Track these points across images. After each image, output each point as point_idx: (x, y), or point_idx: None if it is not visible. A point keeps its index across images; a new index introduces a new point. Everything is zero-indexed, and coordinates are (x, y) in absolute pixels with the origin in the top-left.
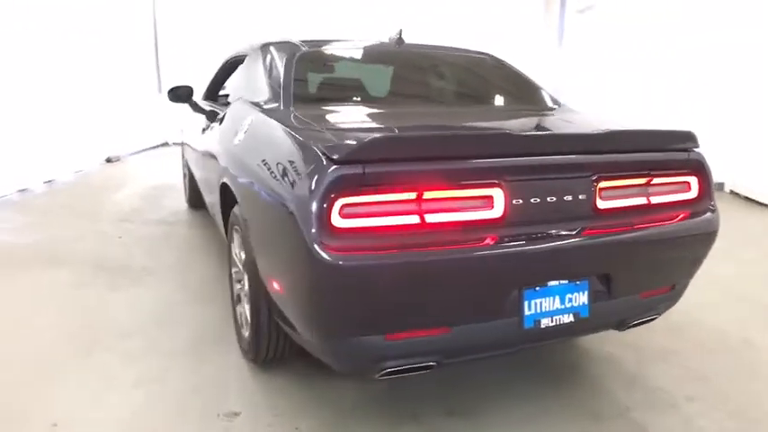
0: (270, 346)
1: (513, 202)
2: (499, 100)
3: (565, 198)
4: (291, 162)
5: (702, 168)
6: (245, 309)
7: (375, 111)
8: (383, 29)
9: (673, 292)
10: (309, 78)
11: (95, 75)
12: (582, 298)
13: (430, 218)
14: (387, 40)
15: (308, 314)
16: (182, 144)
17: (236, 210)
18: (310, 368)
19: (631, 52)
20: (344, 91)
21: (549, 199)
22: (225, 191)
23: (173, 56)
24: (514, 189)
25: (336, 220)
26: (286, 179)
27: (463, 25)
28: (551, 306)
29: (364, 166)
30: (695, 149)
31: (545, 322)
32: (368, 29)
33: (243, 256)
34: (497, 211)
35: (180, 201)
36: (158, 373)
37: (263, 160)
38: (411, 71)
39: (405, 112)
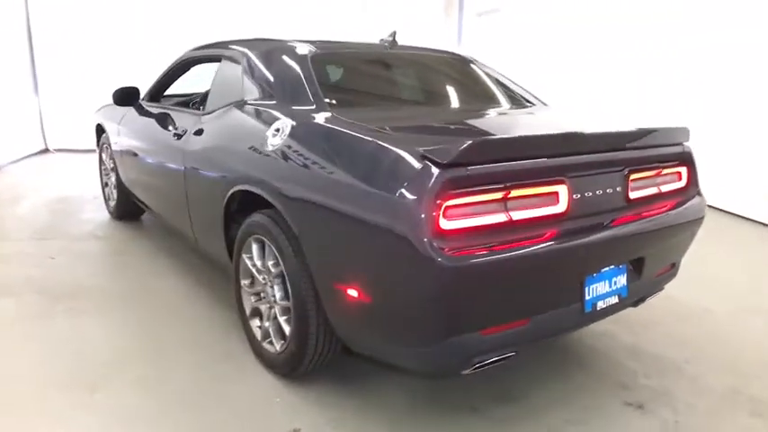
0: (315, 356)
1: (573, 196)
2: (496, 99)
3: (607, 191)
4: (383, 167)
5: (692, 159)
6: (275, 321)
7: (410, 112)
8: (286, 26)
9: (673, 270)
10: (331, 80)
11: None
12: (623, 280)
13: (515, 215)
14: (378, 42)
15: (417, 318)
16: (104, 151)
17: (257, 218)
18: (336, 376)
19: (537, 54)
20: (364, 92)
21: (597, 192)
22: (231, 200)
23: (50, 53)
24: (574, 185)
25: (443, 223)
26: (377, 184)
27: (364, 23)
28: (603, 290)
29: (467, 169)
30: (686, 143)
31: (600, 305)
32: (271, 26)
33: (272, 266)
34: (562, 205)
35: (100, 213)
36: (181, 400)
37: (331, 166)
38: (417, 72)
39: (436, 112)
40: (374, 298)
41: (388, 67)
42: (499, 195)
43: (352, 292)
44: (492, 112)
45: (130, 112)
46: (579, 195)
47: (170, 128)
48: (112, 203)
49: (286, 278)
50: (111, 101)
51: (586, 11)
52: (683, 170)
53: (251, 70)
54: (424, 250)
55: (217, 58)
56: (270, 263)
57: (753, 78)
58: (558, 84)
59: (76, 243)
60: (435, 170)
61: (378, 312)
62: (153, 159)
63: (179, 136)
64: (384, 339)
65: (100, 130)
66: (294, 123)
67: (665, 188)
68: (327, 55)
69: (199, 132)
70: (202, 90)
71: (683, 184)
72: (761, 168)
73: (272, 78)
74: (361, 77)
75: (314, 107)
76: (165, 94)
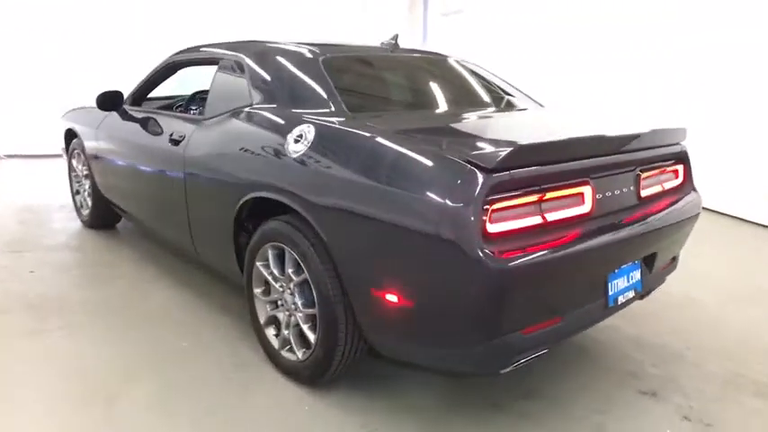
0: (342, 362)
1: (597, 196)
2: (502, 101)
3: (623, 190)
4: (426, 173)
5: (687, 157)
6: (297, 329)
7: (429, 116)
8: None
9: (674, 263)
10: (344, 84)
11: None
12: (637, 275)
13: (549, 216)
14: (379, 45)
15: (464, 320)
16: (75, 157)
17: (275, 225)
18: (356, 380)
19: (501, 55)
20: (378, 96)
21: (615, 192)
22: (242, 208)
23: None
24: (597, 185)
25: (489, 227)
26: (420, 191)
27: (327, 23)
28: (623, 285)
29: (510, 173)
30: (682, 142)
31: (620, 299)
32: (224, 27)
33: (292, 273)
34: (587, 206)
35: (72, 222)
36: (210, 413)
37: (366, 172)
38: (424, 75)
39: (453, 116)
40: (417, 302)
41: (396, 71)
42: (535, 198)
43: (392, 298)
44: (506, 115)
45: (111, 116)
46: (601, 195)
47: (163, 133)
48: (86, 212)
49: (311, 285)
50: (76, 104)
51: (549, 11)
52: (680, 168)
53: (258, 74)
54: (475, 254)
55: (212, 62)
56: (290, 270)
57: (740, 79)
58: (523, 85)
59: (53, 254)
60: (482, 175)
61: (420, 316)
62: (142, 166)
63: (176, 142)
64: (424, 343)
65: (70, 134)
66: (318, 129)
67: (666, 185)
68: (337, 59)
69: (201, 138)
70: (177, 93)
71: (680, 181)
72: (759, 170)
73: (284, 83)
74: (373, 81)
75: (334, 112)
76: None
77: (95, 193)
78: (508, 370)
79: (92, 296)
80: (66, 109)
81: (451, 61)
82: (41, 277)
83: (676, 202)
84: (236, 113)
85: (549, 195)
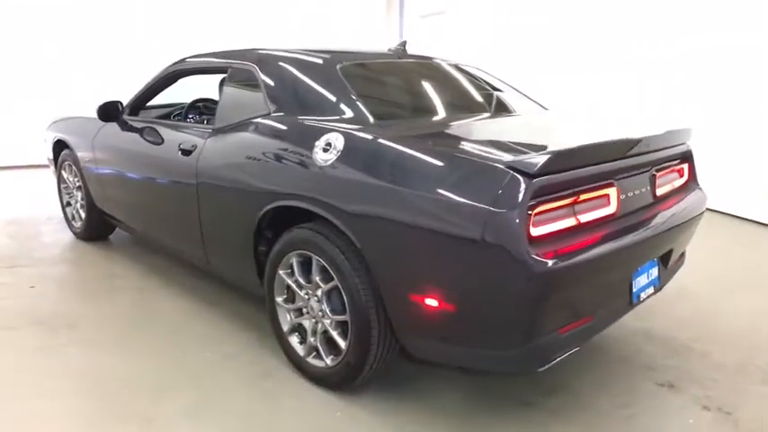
0: (374, 366)
1: (621, 197)
2: (512, 106)
3: (642, 190)
4: (467, 180)
5: (692, 156)
6: (324, 336)
7: (451, 122)
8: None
9: (682, 259)
10: (364, 91)
11: None
12: (655, 272)
13: (581, 217)
14: (387, 51)
15: (509, 322)
16: (65, 169)
17: (301, 233)
18: (382, 383)
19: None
20: (397, 102)
21: (635, 192)
22: (264, 216)
23: None
24: (621, 186)
25: (532, 230)
26: (461, 197)
27: (303, 24)
28: (644, 282)
29: (549, 178)
30: (688, 142)
31: (642, 296)
32: (203, 30)
33: (320, 280)
34: (613, 206)
35: (62, 234)
36: (245, 425)
37: (402, 179)
38: (438, 80)
39: (473, 121)
40: (458, 306)
41: (410, 76)
42: (570, 201)
43: (431, 302)
44: (523, 120)
45: (109, 126)
46: (624, 196)
47: (170, 143)
48: (79, 224)
49: (342, 292)
50: (60, 115)
51: (536, 11)
52: (685, 167)
53: (274, 83)
54: (521, 257)
55: (218, 71)
56: (317, 277)
57: (737, 79)
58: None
59: (51, 269)
60: (525, 180)
61: (461, 320)
62: (146, 177)
63: (187, 152)
64: (465, 345)
65: (59, 145)
66: (347, 138)
67: (675, 184)
68: (353, 66)
69: (216, 148)
70: (163, 101)
71: (685, 179)
72: (756, 168)
73: (303, 91)
74: (390, 87)
75: (359, 120)
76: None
77: (89, 204)
78: (545, 368)
79: (99, 309)
80: (52, 119)
81: (461, 66)
82: (43, 292)
83: (685, 199)
84: (253, 123)
85: (581, 198)
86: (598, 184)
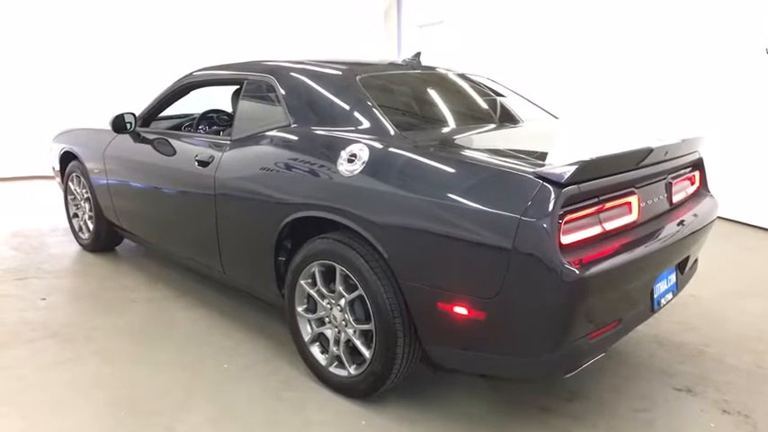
0: (399, 374)
1: (641, 205)
2: (519, 113)
3: (660, 197)
4: (498, 189)
5: (703, 164)
6: (348, 345)
7: (472, 132)
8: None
9: (695, 266)
10: (385, 103)
11: None
12: (673, 278)
13: (606, 225)
14: (401, 62)
15: (541, 329)
16: (73, 180)
17: (324, 244)
18: (403, 391)
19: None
20: (417, 113)
21: (654, 199)
22: (284, 228)
23: None
24: (641, 194)
25: (563, 238)
26: (491, 206)
27: (301, 34)
28: (663, 288)
29: (578, 186)
30: (699, 149)
31: (662, 302)
32: (197, 37)
33: (344, 290)
34: (634, 214)
35: (69, 246)
36: None
37: (432, 190)
38: (454, 91)
39: (495, 131)
40: (489, 314)
41: (427, 87)
42: (595, 209)
43: (461, 310)
44: (543, 129)
45: (120, 138)
46: (644, 204)
47: (186, 155)
48: (86, 235)
49: (367, 301)
50: (66, 126)
51: (535, 20)
52: (697, 174)
53: (294, 95)
54: (554, 266)
55: (235, 82)
56: (341, 287)
57: (737, 84)
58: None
59: (61, 281)
60: (556, 189)
61: (492, 328)
62: (161, 188)
63: (204, 163)
64: (494, 352)
65: (66, 157)
66: (373, 148)
67: (689, 191)
68: (372, 77)
69: (235, 159)
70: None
71: (696, 186)
72: (758, 173)
73: (324, 103)
74: (409, 98)
75: (382, 131)
76: None
77: (98, 216)
78: (572, 374)
79: (114, 321)
80: (58, 131)
81: (468, 76)
82: (56, 305)
83: (699, 206)
84: (274, 134)
85: (606, 206)
86: (621, 192)
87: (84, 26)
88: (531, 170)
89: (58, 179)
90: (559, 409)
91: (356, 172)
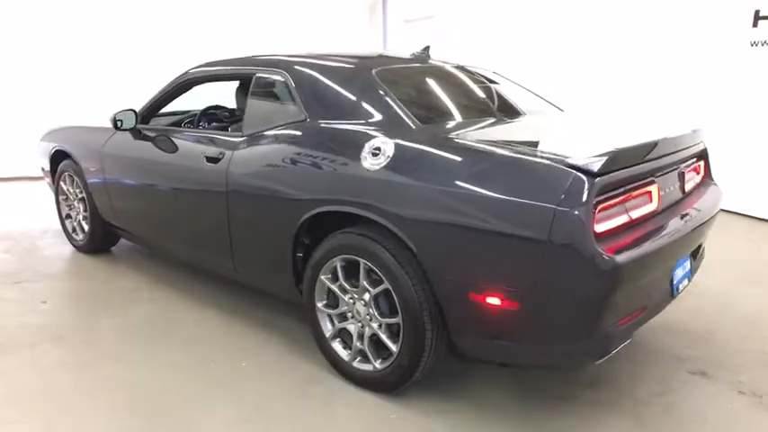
0: (426, 366)
1: (661, 194)
2: (530, 106)
3: (675, 186)
4: (531, 181)
5: (707, 154)
6: (372, 339)
7: (493, 125)
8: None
9: (702, 253)
10: (403, 96)
11: None
12: (688, 264)
13: (632, 214)
14: (410, 56)
15: (576, 316)
16: (65, 180)
17: (347, 239)
18: (426, 383)
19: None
20: (434, 107)
21: (670, 188)
22: (303, 223)
23: None
24: (660, 183)
25: (596, 227)
26: (525, 198)
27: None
28: (680, 274)
29: (609, 176)
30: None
31: (680, 288)
32: (183, 32)
33: (368, 284)
34: (655, 203)
35: (62, 247)
36: None
37: (461, 183)
38: (467, 84)
39: (513, 123)
40: (523, 303)
41: (440, 81)
42: (622, 198)
43: (494, 300)
44: (555, 120)
45: (119, 135)
46: (663, 193)
47: (193, 151)
48: (80, 236)
49: (393, 295)
50: (55, 124)
51: (528, 15)
52: (701, 164)
53: (309, 89)
54: (591, 254)
55: (242, 77)
56: (365, 281)
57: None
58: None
59: (60, 283)
60: (590, 179)
61: (526, 316)
62: (167, 186)
63: (215, 159)
64: (526, 341)
65: (59, 156)
66: (399, 142)
67: (696, 180)
68: (388, 71)
69: (249, 154)
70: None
71: (702, 175)
72: (753, 165)
73: (343, 97)
74: (425, 92)
75: (405, 124)
76: None
77: (94, 216)
78: (602, 361)
79: (120, 323)
80: (46, 130)
81: (479, 70)
82: (58, 308)
83: (707, 194)
84: (290, 129)
85: (632, 195)
86: (643, 181)
87: (65, 24)
88: (564, 161)
89: (48, 179)
90: (584, 396)
91: (381, 166)
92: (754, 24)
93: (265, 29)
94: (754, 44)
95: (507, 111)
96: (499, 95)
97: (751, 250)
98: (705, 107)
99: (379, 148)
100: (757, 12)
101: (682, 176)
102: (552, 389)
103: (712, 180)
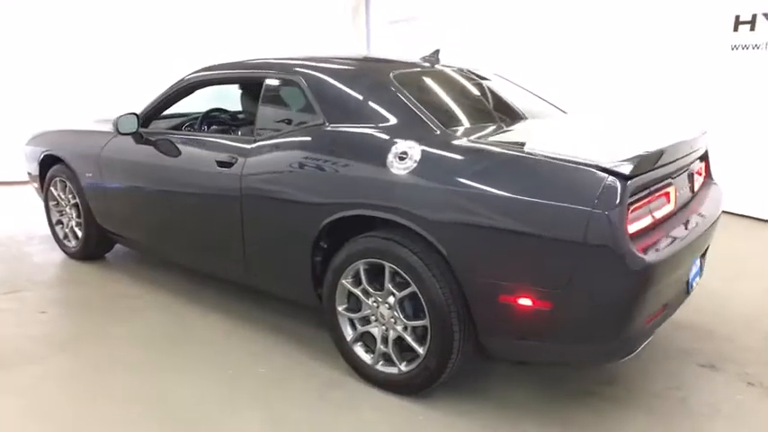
0: (454, 366)
1: (676, 195)
2: (547, 110)
3: (687, 187)
4: (564, 183)
5: (708, 155)
6: (396, 342)
7: (514, 128)
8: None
9: (707, 253)
10: (421, 99)
11: None
12: (698, 262)
13: (656, 214)
14: (419, 59)
15: (610, 316)
16: (55, 186)
17: (371, 242)
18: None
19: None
20: (452, 110)
21: (683, 189)
22: (323, 228)
23: None
24: (676, 185)
25: (629, 227)
26: (558, 200)
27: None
28: (694, 271)
29: (639, 178)
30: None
31: (694, 285)
32: (172, 32)
33: (393, 287)
34: (672, 204)
35: (53, 254)
36: None
37: (494, 187)
38: (478, 88)
39: (532, 127)
40: (556, 304)
41: (455, 84)
42: (647, 200)
43: (525, 302)
44: (571, 123)
45: (120, 139)
46: (678, 194)
47: (203, 156)
48: (73, 243)
49: (421, 297)
50: (41, 128)
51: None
52: (703, 165)
53: (327, 94)
54: (626, 255)
55: (250, 81)
56: (390, 285)
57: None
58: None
59: (56, 291)
60: (623, 182)
61: (557, 317)
62: (174, 190)
63: (227, 164)
64: (557, 341)
65: (49, 160)
66: (426, 146)
67: (700, 180)
68: (405, 75)
69: (264, 159)
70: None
71: (704, 176)
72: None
73: (362, 101)
74: (441, 96)
75: (427, 128)
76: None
77: (88, 222)
78: (628, 358)
79: (126, 331)
80: (32, 133)
81: (488, 74)
82: (58, 317)
83: (711, 193)
84: (308, 134)
85: (656, 196)
86: (664, 183)
87: (51, 28)
88: (597, 164)
89: (36, 184)
90: (603, 392)
91: (408, 170)
92: (735, 29)
93: (248, 30)
94: (734, 48)
95: (520, 114)
96: (511, 99)
97: (747, 249)
98: (691, 109)
99: (405, 152)
100: (737, 17)
101: (691, 177)
102: (570, 386)
103: (713, 180)
